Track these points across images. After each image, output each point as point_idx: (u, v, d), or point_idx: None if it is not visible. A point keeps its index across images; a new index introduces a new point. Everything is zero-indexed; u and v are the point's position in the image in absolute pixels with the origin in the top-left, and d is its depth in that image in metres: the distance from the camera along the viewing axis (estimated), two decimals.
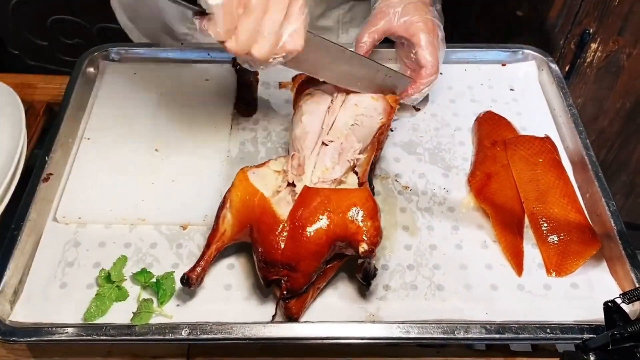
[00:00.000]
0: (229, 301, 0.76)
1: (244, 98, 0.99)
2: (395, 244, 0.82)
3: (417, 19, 0.92)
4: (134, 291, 0.76)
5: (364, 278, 0.73)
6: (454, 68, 1.06)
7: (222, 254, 0.78)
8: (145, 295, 0.76)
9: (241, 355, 0.76)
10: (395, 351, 0.76)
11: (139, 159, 0.90)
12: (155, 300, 0.75)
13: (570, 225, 0.82)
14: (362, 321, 0.74)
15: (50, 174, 0.87)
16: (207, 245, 0.74)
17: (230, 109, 0.98)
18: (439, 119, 0.99)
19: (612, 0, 1.34)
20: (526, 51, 1.07)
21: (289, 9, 0.66)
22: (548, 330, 0.72)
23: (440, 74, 0.94)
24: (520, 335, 0.71)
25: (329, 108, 0.84)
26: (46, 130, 1.00)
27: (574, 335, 0.71)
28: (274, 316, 0.73)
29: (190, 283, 0.72)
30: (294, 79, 0.90)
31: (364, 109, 0.84)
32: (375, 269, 0.74)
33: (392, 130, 0.96)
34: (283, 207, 0.74)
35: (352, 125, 0.82)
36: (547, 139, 0.92)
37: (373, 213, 0.72)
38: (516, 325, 0.72)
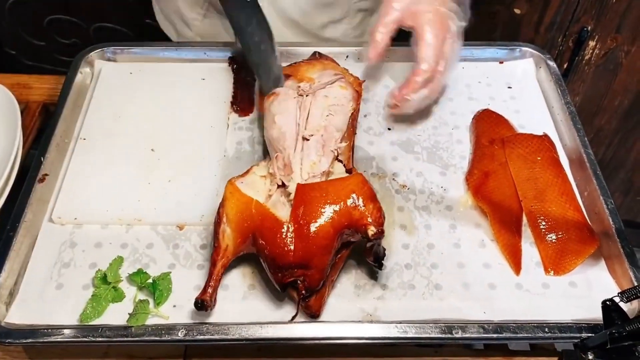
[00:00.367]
0: (226, 302, 0.75)
1: (240, 97, 0.99)
2: (393, 243, 0.81)
3: (427, 8, 0.87)
4: (130, 292, 0.76)
5: (375, 260, 0.73)
6: None
7: None
8: (142, 296, 0.75)
9: (238, 356, 0.76)
10: (393, 351, 0.76)
11: (135, 158, 0.90)
12: (151, 301, 0.74)
13: (568, 223, 0.82)
14: (360, 321, 0.73)
15: (46, 174, 0.87)
16: (213, 264, 0.73)
17: (226, 108, 0.97)
18: (436, 117, 0.98)
19: None
20: (524, 49, 1.06)
21: None
22: (546, 329, 0.71)
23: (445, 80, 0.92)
24: (519, 335, 0.71)
25: (300, 105, 0.84)
26: (42, 130, 1.00)
27: (572, 334, 0.71)
28: (294, 317, 0.72)
29: (206, 306, 0.71)
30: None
31: (335, 98, 0.86)
32: (384, 249, 0.74)
33: (389, 129, 0.96)
34: (281, 210, 0.74)
35: (327, 116, 0.83)
36: (545, 137, 0.92)
37: (372, 195, 0.74)
38: (514, 325, 0.72)
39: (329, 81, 0.89)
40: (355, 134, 0.89)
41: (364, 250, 0.74)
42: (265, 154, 0.88)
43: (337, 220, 0.71)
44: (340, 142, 0.82)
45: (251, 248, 0.74)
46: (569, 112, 0.95)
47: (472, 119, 0.97)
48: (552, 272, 0.79)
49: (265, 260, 0.72)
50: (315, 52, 1.00)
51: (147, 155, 0.90)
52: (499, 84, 1.03)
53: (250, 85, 1.00)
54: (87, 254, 0.80)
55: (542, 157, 0.88)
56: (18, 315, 0.73)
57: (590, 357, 0.69)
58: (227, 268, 0.78)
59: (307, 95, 0.86)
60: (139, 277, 0.76)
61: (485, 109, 0.97)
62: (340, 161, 0.81)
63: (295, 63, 0.95)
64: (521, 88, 1.03)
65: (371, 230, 0.71)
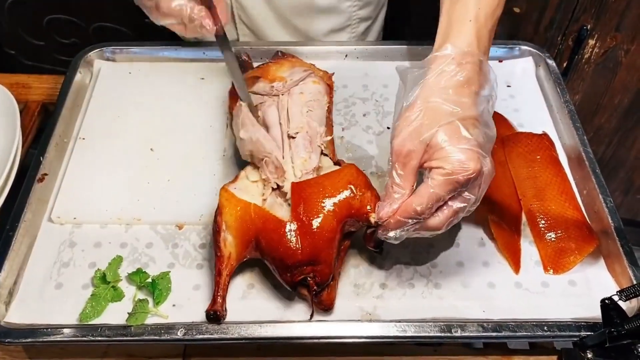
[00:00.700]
0: (225, 301, 0.75)
1: (239, 96, 0.99)
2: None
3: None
4: (130, 291, 0.76)
5: (376, 246, 0.74)
6: None
7: None
8: (141, 295, 0.75)
9: (237, 355, 0.76)
10: (392, 350, 0.76)
11: (134, 158, 0.90)
12: (150, 300, 0.74)
13: (567, 222, 0.82)
14: (359, 320, 0.73)
15: (45, 174, 0.87)
16: (219, 274, 0.72)
17: (225, 107, 0.97)
18: None
19: None
20: (523, 47, 1.06)
21: None
22: (545, 327, 0.71)
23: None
24: (518, 333, 0.71)
25: (277, 105, 0.85)
26: (41, 130, 1.00)
27: (571, 333, 0.71)
28: (312, 315, 0.72)
29: (219, 317, 0.71)
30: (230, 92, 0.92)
31: (310, 94, 0.87)
32: None
33: (389, 128, 0.96)
34: (279, 211, 0.74)
35: (307, 112, 0.84)
36: (545, 135, 0.92)
37: (368, 184, 0.75)
38: (513, 323, 0.72)
39: (301, 78, 0.89)
40: (333, 126, 0.90)
41: (363, 237, 0.75)
42: (237, 156, 0.88)
43: (338, 212, 0.72)
44: (325, 137, 0.83)
45: (254, 253, 0.74)
46: (569, 110, 0.95)
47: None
48: (552, 270, 0.79)
49: (273, 262, 0.72)
50: (277, 52, 1.00)
51: (146, 155, 0.90)
52: (498, 82, 1.03)
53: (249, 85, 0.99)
54: (87, 253, 0.80)
55: (542, 155, 0.88)
56: (18, 315, 0.74)
57: (589, 355, 0.69)
58: None
59: (282, 95, 0.87)
60: (138, 277, 0.76)
61: None
62: (326, 155, 0.82)
63: (262, 64, 0.95)
64: (520, 87, 1.03)
65: (373, 217, 0.71)
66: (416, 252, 0.80)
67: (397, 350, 0.76)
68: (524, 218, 0.84)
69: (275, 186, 0.77)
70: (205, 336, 0.71)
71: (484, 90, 0.69)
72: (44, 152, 0.88)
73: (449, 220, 0.67)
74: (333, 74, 0.96)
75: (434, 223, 0.67)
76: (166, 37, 1.24)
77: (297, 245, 0.70)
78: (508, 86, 1.03)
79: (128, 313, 0.72)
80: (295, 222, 0.71)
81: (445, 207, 0.67)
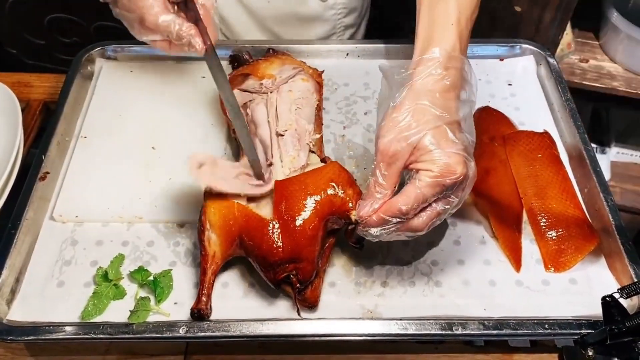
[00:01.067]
0: (226, 299, 0.76)
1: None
2: (393, 240, 0.81)
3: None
4: (132, 289, 0.76)
5: (356, 242, 0.75)
6: None
7: None
8: (143, 293, 0.76)
9: (239, 352, 0.76)
10: (393, 348, 0.76)
11: (135, 157, 0.90)
12: (152, 298, 0.75)
13: (568, 220, 0.82)
14: (360, 318, 0.73)
15: (47, 172, 0.87)
16: (203, 273, 0.73)
17: None
18: None
19: None
20: (524, 46, 1.06)
21: None
22: (546, 325, 0.72)
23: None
24: (519, 331, 0.71)
25: (266, 102, 0.85)
26: (43, 128, 1.00)
27: (572, 331, 0.71)
28: (298, 312, 0.72)
29: (203, 315, 0.71)
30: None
31: (299, 92, 0.87)
32: None
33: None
34: (264, 209, 0.74)
35: (296, 109, 0.84)
36: (546, 134, 0.92)
37: (350, 181, 0.75)
38: (514, 321, 0.72)
39: (290, 75, 0.89)
40: (323, 124, 0.90)
41: (345, 233, 0.75)
42: (237, 156, 0.88)
43: (320, 209, 0.72)
44: (313, 134, 0.83)
45: (239, 251, 0.75)
46: (569, 109, 0.95)
47: (472, 116, 0.97)
48: (553, 269, 0.79)
49: (256, 260, 0.72)
50: (269, 49, 1.00)
51: (148, 153, 0.90)
52: (499, 81, 1.03)
53: None
54: (88, 251, 0.80)
55: (543, 154, 0.88)
56: (20, 313, 0.74)
57: (590, 353, 0.69)
58: (228, 266, 0.78)
59: (271, 92, 0.87)
60: (140, 275, 0.76)
61: (485, 107, 0.97)
62: (314, 152, 0.82)
63: (252, 62, 0.95)
64: (521, 85, 1.03)
65: (354, 215, 0.71)
66: (417, 250, 0.81)
67: (398, 348, 0.76)
68: (525, 216, 0.84)
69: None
70: (207, 334, 0.71)
71: (465, 94, 0.70)
72: (46, 150, 0.89)
73: (431, 222, 0.68)
74: (323, 71, 0.96)
75: (416, 224, 0.68)
76: None
77: (279, 243, 0.70)
78: (509, 85, 1.03)
79: (130, 311, 0.72)
80: (277, 220, 0.72)
81: (428, 209, 0.67)
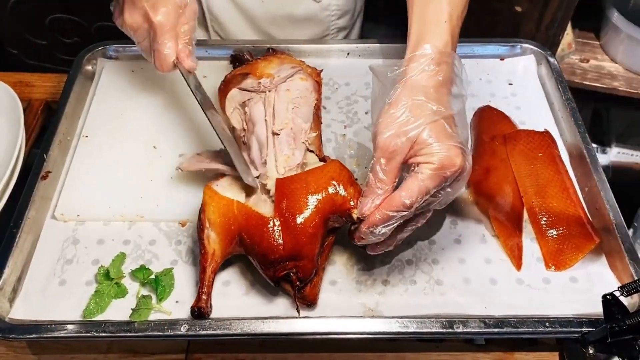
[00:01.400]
0: (228, 297, 0.76)
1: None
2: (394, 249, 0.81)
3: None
4: (133, 288, 0.76)
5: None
6: None
7: None
8: (144, 292, 0.76)
9: (240, 351, 0.76)
10: (394, 346, 0.76)
11: (137, 156, 0.90)
12: (154, 296, 0.75)
13: (569, 219, 0.82)
14: (361, 316, 0.74)
15: (49, 171, 0.87)
16: (203, 271, 0.73)
17: None
18: None
19: None
20: (525, 45, 1.06)
21: None
22: (547, 324, 0.72)
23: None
24: (519, 329, 0.71)
25: (264, 101, 0.85)
26: (44, 128, 1.00)
27: (573, 329, 0.71)
28: (298, 310, 0.72)
29: (204, 313, 0.71)
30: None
31: (297, 91, 0.88)
32: None
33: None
34: (263, 207, 0.75)
35: (293, 108, 0.84)
36: (546, 133, 0.92)
37: (351, 180, 0.75)
38: (515, 319, 0.72)
39: (288, 74, 0.90)
40: (322, 122, 0.91)
41: (348, 233, 0.75)
42: None
43: (321, 207, 0.72)
44: (309, 133, 0.83)
45: (238, 249, 0.75)
46: (570, 108, 0.95)
47: (473, 115, 0.97)
48: (553, 267, 0.79)
49: (256, 258, 0.72)
50: (269, 48, 1.00)
51: (149, 153, 0.91)
52: (499, 80, 1.04)
53: None
54: (90, 250, 0.80)
55: (543, 153, 0.88)
56: (22, 311, 0.74)
57: (591, 351, 0.69)
58: (229, 264, 0.79)
59: (269, 91, 0.87)
60: (141, 273, 0.76)
61: (486, 106, 0.97)
62: (312, 151, 0.82)
63: (251, 61, 0.96)
64: (522, 85, 1.03)
65: (355, 213, 0.72)
66: (418, 249, 0.81)
67: (399, 346, 0.76)
68: (525, 215, 0.84)
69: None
70: (209, 332, 0.71)
71: (456, 88, 0.71)
72: (47, 149, 0.89)
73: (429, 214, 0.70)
74: (322, 70, 0.96)
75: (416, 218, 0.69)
76: None
77: (279, 241, 0.71)
78: (510, 84, 1.03)
79: (131, 309, 0.73)
80: (277, 218, 0.72)
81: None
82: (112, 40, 1.07)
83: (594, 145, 1.71)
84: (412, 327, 0.71)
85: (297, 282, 0.70)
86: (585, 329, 0.71)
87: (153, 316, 0.73)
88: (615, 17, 1.57)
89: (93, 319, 0.73)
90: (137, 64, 1.04)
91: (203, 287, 0.72)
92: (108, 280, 0.76)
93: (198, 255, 0.79)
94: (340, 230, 0.78)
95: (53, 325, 0.72)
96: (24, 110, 0.96)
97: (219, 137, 0.80)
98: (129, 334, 0.71)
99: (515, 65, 1.06)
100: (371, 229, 0.69)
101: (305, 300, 0.73)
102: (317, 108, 0.89)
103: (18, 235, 0.79)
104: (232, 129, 0.85)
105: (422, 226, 0.81)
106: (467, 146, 0.69)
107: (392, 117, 0.67)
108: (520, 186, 0.86)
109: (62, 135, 0.92)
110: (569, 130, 0.94)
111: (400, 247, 0.80)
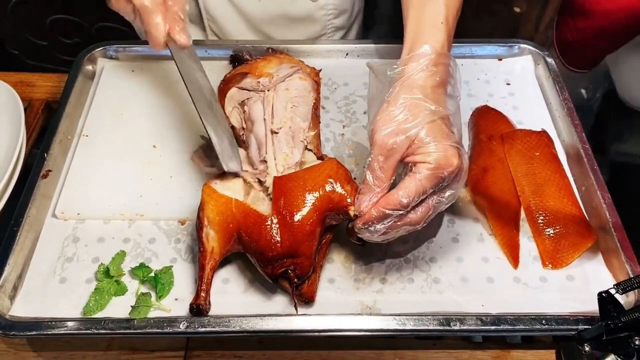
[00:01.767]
0: (226, 295, 0.76)
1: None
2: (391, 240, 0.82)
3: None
4: (133, 285, 0.77)
5: (358, 239, 0.75)
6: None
7: None
8: (144, 289, 0.76)
9: (239, 348, 0.76)
10: (391, 343, 0.77)
11: (137, 155, 0.91)
12: (153, 294, 0.75)
13: (566, 218, 0.82)
14: (359, 314, 0.74)
15: (49, 170, 0.88)
16: (202, 268, 0.74)
17: None
18: None
19: None
20: (522, 46, 1.07)
21: None
22: (544, 321, 0.72)
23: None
24: (516, 327, 0.72)
25: (263, 100, 0.86)
26: (45, 127, 1.01)
27: (569, 327, 0.72)
28: (295, 307, 0.72)
29: (202, 310, 0.72)
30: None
31: (296, 90, 0.88)
32: None
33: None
34: (261, 205, 0.75)
35: (292, 107, 0.85)
36: (544, 132, 0.92)
37: (348, 177, 0.76)
38: (512, 317, 0.72)
39: (287, 74, 0.90)
40: (320, 122, 0.91)
41: (346, 230, 0.75)
42: None
43: (318, 205, 0.73)
44: (308, 132, 0.84)
45: (237, 247, 0.75)
46: (567, 108, 0.96)
47: (471, 115, 0.97)
48: (550, 265, 0.79)
49: (254, 255, 0.73)
50: (268, 48, 1.01)
51: (149, 152, 0.91)
52: (497, 80, 1.04)
53: None
54: (90, 248, 0.81)
55: (541, 152, 0.89)
56: (22, 309, 0.75)
57: (587, 348, 0.70)
58: (228, 262, 0.79)
59: (268, 90, 0.88)
60: (141, 271, 0.77)
61: (483, 105, 0.98)
62: (311, 150, 0.83)
63: (251, 61, 0.96)
64: (520, 85, 1.03)
65: (352, 211, 0.72)
66: (416, 247, 0.81)
67: (396, 344, 0.77)
68: (522, 214, 0.84)
69: (257, 181, 0.78)
70: (208, 329, 0.71)
71: (450, 89, 0.72)
72: (48, 149, 0.89)
73: (428, 215, 0.69)
74: (320, 70, 0.97)
75: (415, 217, 0.69)
76: None
77: (277, 239, 0.71)
78: (507, 84, 1.03)
79: (131, 307, 0.73)
80: (275, 216, 0.72)
81: (424, 202, 0.69)
82: (112, 41, 1.08)
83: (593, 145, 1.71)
84: (410, 325, 0.72)
85: (295, 280, 0.71)
86: (581, 327, 0.71)
87: (152, 314, 0.73)
88: None
89: (93, 316, 0.73)
90: (137, 64, 1.05)
91: (202, 284, 0.73)
92: (108, 278, 0.76)
93: (197, 253, 0.80)
94: (338, 229, 0.78)
95: (53, 323, 0.72)
96: (25, 109, 0.97)
97: (200, 120, 0.79)
98: (128, 331, 0.72)
99: (513, 66, 1.06)
100: (367, 225, 0.69)
101: (303, 297, 0.73)
102: (316, 107, 0.89)
103: (19, 234, 0.80)
104: (232, 128, 0.86)
105: None
106: (462, 146, 0.70)
107: (391, 115, 0.68)
108: (517, 185, 0.86)
109: (62, 135, 0.93)
110: (566, 129, 0.94)
111: (398, 246, 0.81)
